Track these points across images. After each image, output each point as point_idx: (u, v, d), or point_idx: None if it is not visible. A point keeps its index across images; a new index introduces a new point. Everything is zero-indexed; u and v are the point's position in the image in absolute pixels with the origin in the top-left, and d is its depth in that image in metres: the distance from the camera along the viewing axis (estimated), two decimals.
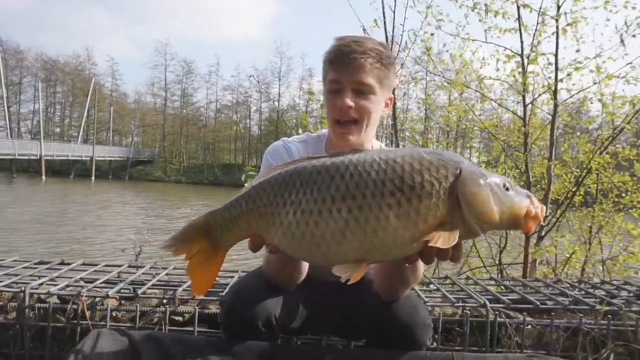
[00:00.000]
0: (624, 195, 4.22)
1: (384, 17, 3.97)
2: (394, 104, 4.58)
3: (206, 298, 1.87)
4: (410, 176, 0.91)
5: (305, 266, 1.39)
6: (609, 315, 1.82)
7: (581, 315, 1.82)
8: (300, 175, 0.97)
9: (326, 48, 1.42)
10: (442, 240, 0.88)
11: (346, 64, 1.34)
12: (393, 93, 1.52)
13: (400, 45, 4.15)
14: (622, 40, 3.78)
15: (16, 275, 2.03)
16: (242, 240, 1.10)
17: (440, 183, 0.91)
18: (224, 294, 1.71)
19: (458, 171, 0.92)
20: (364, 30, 3.88)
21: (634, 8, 3.84)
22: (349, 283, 0.95)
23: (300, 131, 4.43)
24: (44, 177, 36.62)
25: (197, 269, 1.11)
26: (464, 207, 0.90)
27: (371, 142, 1.48)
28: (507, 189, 0.94)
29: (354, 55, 1.33)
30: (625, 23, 3.84)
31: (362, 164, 0.94)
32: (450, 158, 0.95)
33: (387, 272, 1.34)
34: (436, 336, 1.71)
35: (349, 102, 1.35)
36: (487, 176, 0.94)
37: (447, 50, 4.50)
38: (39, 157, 37.82)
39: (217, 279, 2.20)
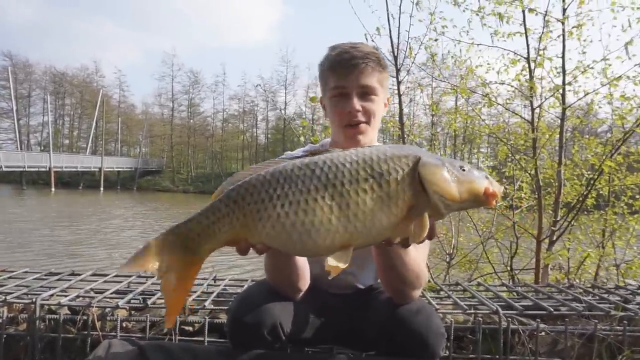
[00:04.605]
0: (637, 197, 4.16)
1: (389, 24, 3.98)
2: (401, 110, 4.61)
3: (216, 307, 1.87)
4: (377, 165, 1.02)
5: (306, 270, 1.38)
6: (625, 321, 1.79)
7: (596, 321, 1.78)
8: (282, 173, 1.04)
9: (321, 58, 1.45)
10: (417, 231, 1.00)
11: (350, 69, 1.38)
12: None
13: (405, 52, 4.16)
14: (626, 49, 3.75)
15: (27, 286, 2.05)
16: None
17: (403, 170, 1.02)
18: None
19: (417, 159, 1.03)
20: (366, 37, 3.90)
21: (639, 8, 3.82)
22: (330, 276, 0.99)
23: (302, 139, 4.45)
24: (53, 189, 37.00)
25: (171, 287, 1.05)
26: (427, 188, 0.99)
27: (375, 142, 1.49)
28: (464, 170, 1.04)
29: (355, 60, 1.38)
30: (629, 24, 3.81)
31: (337, 158, 1.04)
32: (410, 149, 1.07)
33: (381, 269, 1.33)
34: (448, 344, 1.69)
35: (357, 106, 1.39)
36: (444, 160, 1.04)
37: (452, 57, 4.51)
38: (48, 168, 38.22)
39: (227, 288, 2.20)
